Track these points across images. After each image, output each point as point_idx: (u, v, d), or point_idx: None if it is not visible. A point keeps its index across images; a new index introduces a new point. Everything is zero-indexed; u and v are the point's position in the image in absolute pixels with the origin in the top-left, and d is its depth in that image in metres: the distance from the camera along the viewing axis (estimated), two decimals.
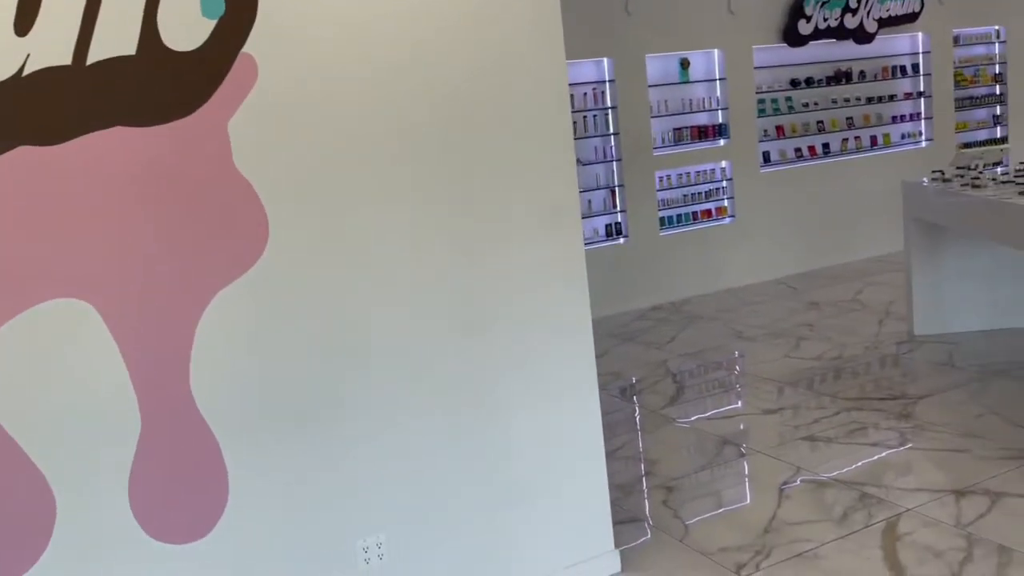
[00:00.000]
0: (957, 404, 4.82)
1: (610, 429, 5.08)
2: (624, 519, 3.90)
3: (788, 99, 8.79)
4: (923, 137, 9.55)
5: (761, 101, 8.60)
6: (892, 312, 6.88)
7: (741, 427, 4.92)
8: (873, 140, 9.30)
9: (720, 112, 8.43)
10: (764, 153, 8.72)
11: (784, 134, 8.79)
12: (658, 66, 8.12)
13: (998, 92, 9.99)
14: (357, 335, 2.88)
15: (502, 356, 3.13)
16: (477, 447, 3.11)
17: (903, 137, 9.49)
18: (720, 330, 7.03)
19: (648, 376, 6.02)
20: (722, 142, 8.45)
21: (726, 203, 8.57)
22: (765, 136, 8.69)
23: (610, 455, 4.65)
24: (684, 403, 5.41)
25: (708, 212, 8.48)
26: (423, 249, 2.96)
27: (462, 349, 3.05)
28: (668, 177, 8.23)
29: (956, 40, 9.57)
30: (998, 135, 10.07)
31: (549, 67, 3.11)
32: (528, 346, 3.19)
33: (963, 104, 9.74)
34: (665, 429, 5.03)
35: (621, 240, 8.06)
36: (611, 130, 7.91)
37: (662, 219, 8.23)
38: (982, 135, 10.01)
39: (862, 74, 9.09)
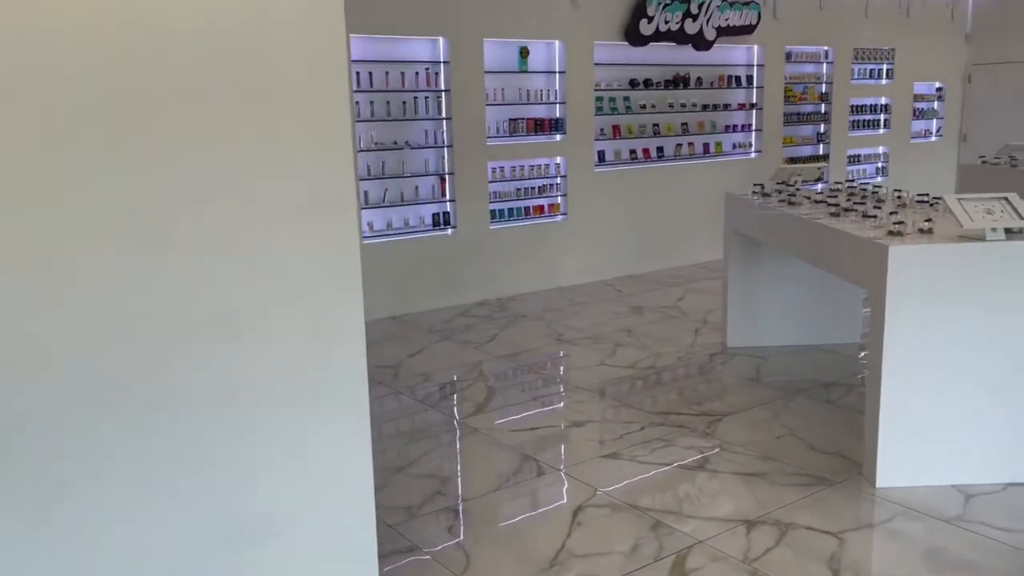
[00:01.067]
0: (760, 423, 4.76)
1: (407, 440, 4.69)
2: (401, 548, 3.51)
3: (626, 99, 8.69)
4: (753, 148, 9.75)
5: (599, 99, 8.45)
6: (709, 321, 6.88)
7: (546, 441, 4.65)
8: (706, 147, 9.39)
9: (558, 106, 8.21)
10: (600, 152, 8.59)
11: (620, 134, 8.69)
12: (496, 52, 7.78)
13: (823, 110, 10.37)
14: (32, 346, 2.30)
15: (248, 365, 2.63)
16: (208, 476, 2.60)
17: (735, 147, 9.65)
18: (542, 331, 6.80)
19: (460, 379, 5.68)
20: (558, 137, 8.23)
21: (559, 200, 8.36)
22: (601, 135, 8.56)
23: (401, 471, 4.27)
24: (492, 411, 5.09)
25: (540, 208, 8.25)
26: (141, 244, 2.41)
27: (196, 358, 2.53)
28: (501, 169, 7.91)
29: (788, 56, 9.82)
30: (820, 152, 10.46)
31: (322, 38, 2.63)
32: (284, 354, 2.70)
33: (791, 119, 10.03)
34: (468, 440, 4.69)
35: (449, 231, 7.67)
36: (444, 114, 7.49)
37: (493, 212, 7.92)
38: (807, 151, 10.37)
39: (699, 80, 9.14)
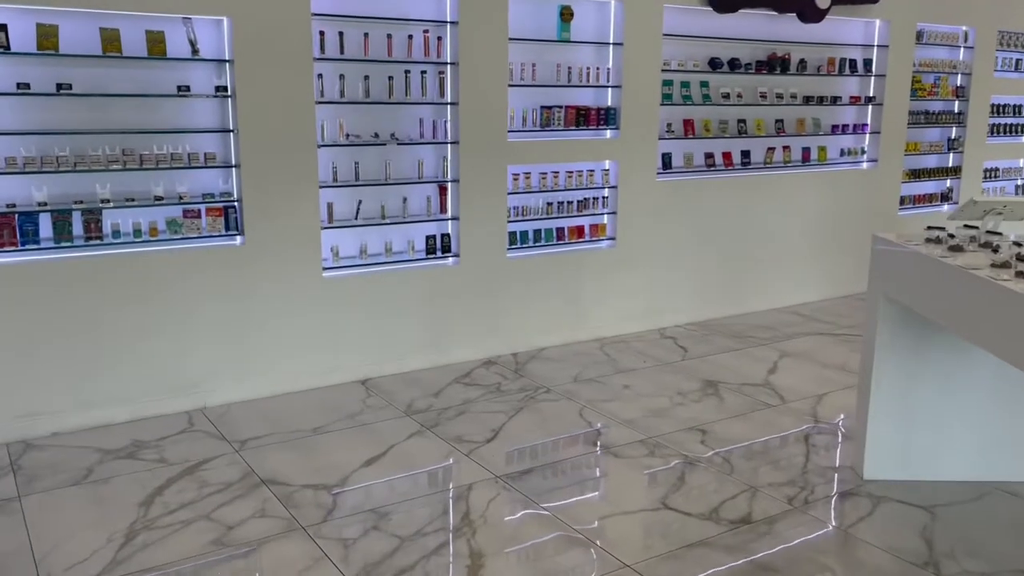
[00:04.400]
0: None
1: None
2: None
3: (704, 84, 6.41)
4: (866, 156, 7.39)
5: (668, 83, 6.18)
6: (824, 420, 4.61)
7: None
8: (806, 153, 7.06)
9: (610, 91, 5.96)
10: (665, 155, 6.32)
11: (694, 132, 6.42)
12: (526, 11, 5.56)
13: (956, 110, 7.94)
14: None
15: None
16: None
17: (842, 153, 7.30)
18: (570, 421, 4.60)
19: (421, 531, 3.51)
20: (608, 134, 5.99)
21: (605, 220, 6.13)
22: (668, 132, 6.29)
23: None
24: None
25: (579, 230, 6.02)
26: None
27: None
28: (527, 175, 5.71)
29: (919, 36, 7.42)
30: (950, 164, 8.04)
31: None
32: None
33: (916, 119, 7.63)
34: None
35: (449, 261, 5.50)
36: (447, 97, 5.31)
37: (513, 235, 5.72)
38: (932, 161, 7.96)
39: (802, 64, 6.80)
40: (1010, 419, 3.73)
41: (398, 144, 5.18)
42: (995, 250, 3.04)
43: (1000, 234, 3.40)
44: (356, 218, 5.15)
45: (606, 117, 5.90)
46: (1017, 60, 8.23)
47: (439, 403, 4.83)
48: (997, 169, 8.41)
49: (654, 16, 5.94)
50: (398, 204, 5.28)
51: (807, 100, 6.84)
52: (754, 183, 6.70)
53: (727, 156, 6.64)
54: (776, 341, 6.09)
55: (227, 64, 4.61)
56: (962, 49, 7.83)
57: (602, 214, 6.09)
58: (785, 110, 6.84)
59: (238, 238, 4.76)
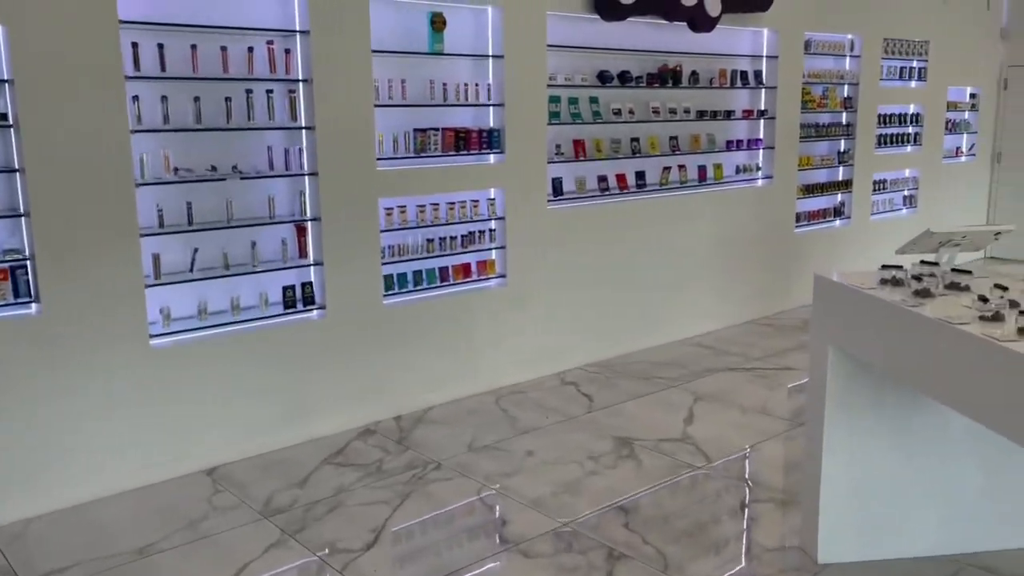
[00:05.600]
0: None
1: None
2: None
3: (593, 100, 5.80)
4: (760, 173, 6.99)
5: (554, 99, 5.53)
6: (758, 483, 4.01)
7: None
8: (702, 172, 6.57)
9: (492, 110, 5.25)
10: (555, 180, 5.66)
11: (585, 153, 5.79)
12: (392, 19, 4.78)
13: (845, 121, 7.70)
14: None
15: None
16: None
17: (738, 171, 6.87)
18: (463, 510, 3.82)
19: None
20: (492, 158, 5.27)
21: (494, 255, 5.40)
22: (558, 154, 5.64)
23: None
24: None
25: (466, 268, 5.26)
26: None
27: None
28: (402, 209, 4.90)
29: (807, 46, 7.10)
30: (840, 177, 7.78)
31: None
32: None
33: (807, 132, 7.31)
34: None
35: (313, 314, 4.62)
36: (300, 121, 4.44)
37: (388, 278, 4.90)
38: (823, 176, 7.68)
39: (694, 76, 6.32)
40: (982, 481, 3.22)
41: (242, 178, 4.27)
42: (982, 298, 2.49)
43: (969, 272, 2.87)
44: (191, 270, 4.19)
45: (489, 139, 5.18)
46: (901, 68, 8.09)
47: (306, 495, 3.94)
48: (885, 181, 8.24)
49: (537, 25, 5.28)
50: (245, 250, 4.37)
51: (701, 115, 6.35)
52: (650, 206, 6.14)
53: (621, 178, 6.05)
54: (686, 381, 5.51)
55: (5, 85, 3.59)
56: (848, 58, 7.60)
57: (490, 249, 5.35)
58: (679, 126, 6.33)
59: (32, 306, 3.73)
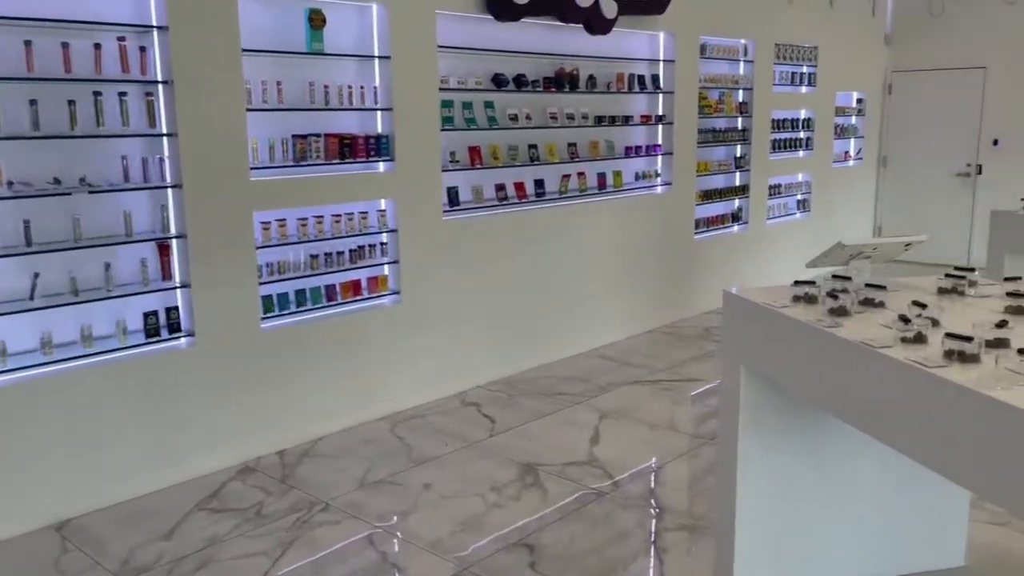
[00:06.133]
0: None
1: None
2: None
3: (489, 105, 5.52)
4: (660, 180, 6.87)
5: (447, 104, 5.22)
6: (668, 508, 3.79)
7: None
8: (602, 179, 6.38)
9: (379, 115, 4.89)
10: (451, 190, 5.35)
11: (481, 160, 5.50)
12: (265, 14, 4.36)
13: (740, 127, 7.68)
14: None
15: None
16: None
17: (637, 177, 6.72)
18: (353, 559, 3.46)
19: None
20: (382, 166, 4.91)
21: (387, 270, 5.04)
22: (452, 162, 5.32)
23: None
24: None
25: (355, 285, 4.88)
26: None
27: None
28: (281, 223, 4.48)
29: (703, 50, 7.03)
30: (737, 182, 7.77)
31: None
32: None
33: (705, 137, 7.24)
34: None
35: (181, 342, 4.15)
36: (161, 127, 3.97)
37: (268, 299, 4.48)
38: (720, 181, 7.63)
39: (591, 80, 6.12)
40: (903, 502, 3.08)
41: (91, 192, 3.77)
42: (903, 319, 2.31)
43: (883, 287, 2.71)
44: (32, 298, 3.67)
45: (377, 146, 4.82)
46: (793, 73, 8.15)
47: (173, 549, 3.49)
48: (780, 185, 8.29)
49: (426, 24, 4.95)
50: (98, 273, 3.87)
51: (599, 120, 6.16)
52: (550, 216, 5.90)
53: (520, 187, 5.79)
54: (590, 396, 5.29)
55: None
56: (742, 63, 7.58)
57: (382, 264, 4.99)
58: (577, 132, 6.13)
59: None
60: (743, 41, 7.47)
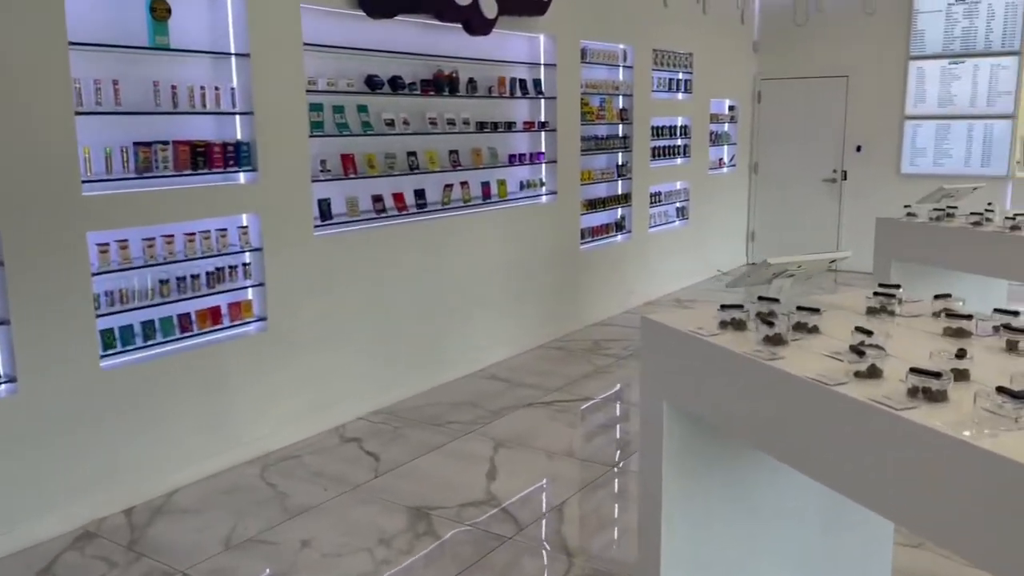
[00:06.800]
0: None
1: None
2: None
3: (362, 109, 5.04)
4: (545, 189, 6.58)
5: (317, 107, 4.72)
6: (576, 552, 3.46)
7: None
8: (486, 189, 6.03)
9: (238, 119, 4.34)
10: (321, 202, 4.83)
11: (356, 169, 5.02)
12: (96, 4, 3.74)
13: (622, 134, 7.52)
14: None
15: None
16: None
17: (522, 187, 6.41)
18: None
19: None
20: (242, 177, 4.36)
21: (251, 295, 4.48)
22: (323, 171, 4.82)
23: None
24: None
25: (214, 313, 4.30)
26: None
27: None
28: (122, 244, 3.86)
29: (583, 54, 6.81)
30: (619, 191, 7.61)
31: None
32: None
33: (587, 145, 7.03)
34: None
35: (0, 389, 3.47)
36: None
37: (108, 333, 3.84)
38: (602, 190, 7.44)
39: (472, 83, 5.75)
40: (829, 531, 2.86)
41: None
42: (857, 351, 2.05)
43: (817, 310, 2.47)
44: None
45: (236, 155, 4.26)
46: (670, 80, 8.08)
47: None
48: (660, 193, 8.20)
49: (289, 19, 4.44)
50: None
51: (481, 126, 5.81)
52: (433, 228, 5.49)
53: (399, 197, 5.35)
54: (483, 423, 4.91)
55: None
56: (622, 69, 7.43)
57: (245, 287, 4.43)
58: (459, 139, 5.75)
59: None
60: (622, 46, 7.32)
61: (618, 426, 4.99)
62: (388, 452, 4.51)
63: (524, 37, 6.26)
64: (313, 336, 4.71)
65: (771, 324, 2.32)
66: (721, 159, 9.34)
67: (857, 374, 2.03)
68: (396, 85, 5.15)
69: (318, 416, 4.77)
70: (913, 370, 1.87)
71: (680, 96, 8.29)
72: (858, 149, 9.08)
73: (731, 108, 9.38)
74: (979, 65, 8.28)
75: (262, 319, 4.48)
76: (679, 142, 8.36)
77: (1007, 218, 4.54)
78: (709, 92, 8.71)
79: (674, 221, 8.48)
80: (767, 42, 9.53)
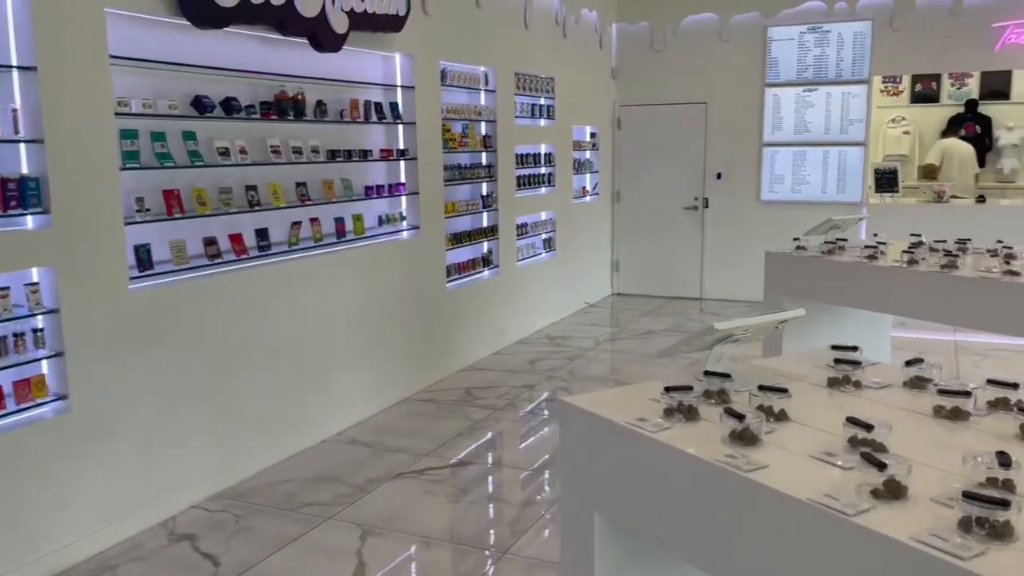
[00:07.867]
0: None
1: None
2: None
3: (189, 136, 4.22)
4: (406, 223, 5.93)
5: (130, 134, 3.86)
6: None
7: None
8: (340, 226, 5.30)
9: (23, 148, 3.43)
10: (139, 248, 3.96)
11: (182, 207, 4.17)
12: None
13: (486, 162, 7.00)
14: None
15: None
16: None
17: (380, 221, 5.73)
18: None
19: None
20: (30, 221, 3.45)
21: (45, 368, 3.55)
22: (140, 210, 3.95)
23: None
24: None
25: None
26: None
27: None
28: None
29: (443, 76, 6.24)
30: (485, 223, 7.07)
31: None
32: None
33: (451, 174, 6.44)
34: None
35: None
36: None
37: None
38: (466, 223, 6.87)
39: (321, 107, 5.04)
40: None
41: None
42: (877, 463, 1.56)
43: (785, 390, 1.98)
44: None
45: (21, 193, 3.35)
46: (532, 105, 7.66)
47: None
48: (526, 224, 7.74)
49: (91, 26, 3.58)
50: None
51: (333, 155, 5.10)
52: (278, 272, 4.71)
53: (236, 239, 4.53)
54: (345, 504, 4.17)
55: None
56: (483, 92, 6.92)
57: (38, 360, 3.49)
58: (307, 169, 5.01)
59: None
60: (483, 68, 6.81)
61: (502, 497, 4.39)
62: (230, 551, 3.69)
63: (379, 56, 5.61)
64: (130, 413, 3.82)
65: (739, 417, 1.80)
66: (584, 187, 9.02)
67: (875, 493, 1.52)
68: (230, 108, 4.36)
69: (139, 511, 3.87)
70: (968, 495, 1.38)
71: (543, 122, 7.89)
72: (718, 176, 9.01)
73: (592, 135, 9.10)
74: (831, 93, 8.40)
75: (61, 398, 3.56)
76: (543, 170, 7.95)
77: (903, 251, 4.33)
78: (571, 118, 8.37)
79: (541, 253, 8.04)
80: (625, 68, 9.34)
